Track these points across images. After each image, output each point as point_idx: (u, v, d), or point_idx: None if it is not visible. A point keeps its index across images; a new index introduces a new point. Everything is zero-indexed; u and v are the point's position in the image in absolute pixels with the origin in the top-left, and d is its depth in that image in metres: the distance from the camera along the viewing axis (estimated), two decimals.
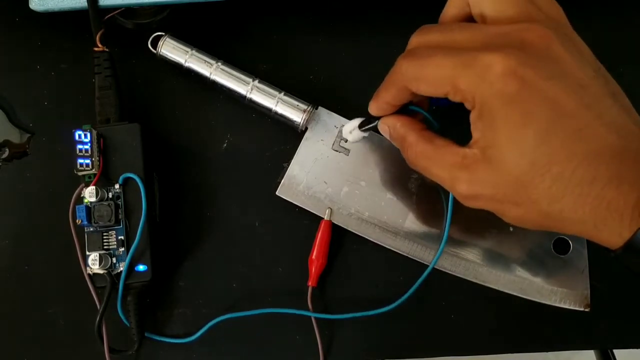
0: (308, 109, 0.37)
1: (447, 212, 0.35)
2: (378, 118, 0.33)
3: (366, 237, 0.37)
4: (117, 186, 0.35)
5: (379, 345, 0.38)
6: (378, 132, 0.34)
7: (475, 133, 0.27)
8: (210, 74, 0.38)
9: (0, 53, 0.40)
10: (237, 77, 0.38)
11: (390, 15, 0.41)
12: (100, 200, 0.35)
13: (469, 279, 0.37)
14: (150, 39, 0.38)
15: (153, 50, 0.38)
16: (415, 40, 0.30)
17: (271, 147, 0.39)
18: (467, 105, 0.27)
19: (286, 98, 0.37)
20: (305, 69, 0.40)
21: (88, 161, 0.34)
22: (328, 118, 0.38)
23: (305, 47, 0.41)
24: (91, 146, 0.34)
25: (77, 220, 0.34)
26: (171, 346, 0.37)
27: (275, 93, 0.38)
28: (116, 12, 0.37)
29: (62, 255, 0.37)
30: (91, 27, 0.36)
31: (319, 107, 0.38)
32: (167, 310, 0.38)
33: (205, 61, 0.38)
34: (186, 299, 0.38)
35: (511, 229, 0.37)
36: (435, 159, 0.29)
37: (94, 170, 0.34)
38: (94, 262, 0.34)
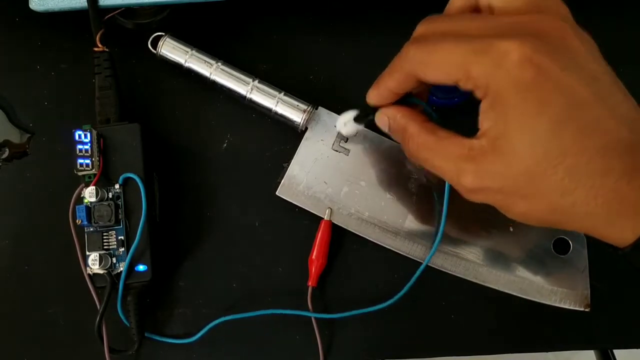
0: (308, 109, 0.37)
1: (442, 210, 0.34)
2: (375, 110, 0.32)
3: (366, 237, 0.37)
4: (117, 186, 0.35)
5: (379, 345, 0.38)
6: (374, 126, 0.33)
7: (486, 123, 0.26)
8: (210, 74, 0.38)
9: (0, 53, 0.41)
10: (237, 77, 0.38)
11: (390, 15, 0.41)
12: (100, 200, 0.35)
13: (469, 278, 0.37)
14: (150, 39, 0.38)
15: (153, 50, 0.38)
16: (423, 28, 0.29)
17: (271, 147, 0.39)
18: (478, 94, 0.26)
19: (286, 98, 0.37)
20: (305, 69, 0.40)
21: (88, 161, 0.34)
22: (328, 118, 0.38)
23: (305, 47, 0.41)
24: (91, 146, 0.34)
25: (77, 220, 0.34)
26: (171, 346, 0.37)
27: (275, 93, 0.38)
28: (116, 12, 0.38)
29: (62, 255, 0.37)
30: (91, 27, 0.36)
31: (319, 107, 0.38)
32: (167, 310, 0.38)
33: (205, 61, 0.38)
34: (186, 299, 0.38)
35: (511, 229, 0.37)
36: (438, 150, 0.28)
37: (94, 170, 0.34)
38: (94, 262, 0.34)
